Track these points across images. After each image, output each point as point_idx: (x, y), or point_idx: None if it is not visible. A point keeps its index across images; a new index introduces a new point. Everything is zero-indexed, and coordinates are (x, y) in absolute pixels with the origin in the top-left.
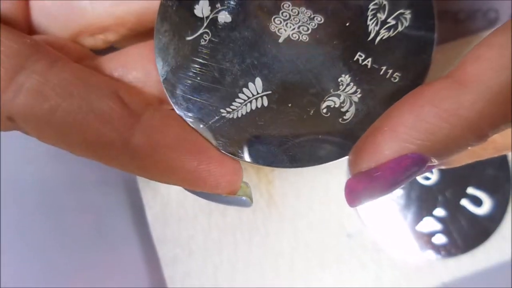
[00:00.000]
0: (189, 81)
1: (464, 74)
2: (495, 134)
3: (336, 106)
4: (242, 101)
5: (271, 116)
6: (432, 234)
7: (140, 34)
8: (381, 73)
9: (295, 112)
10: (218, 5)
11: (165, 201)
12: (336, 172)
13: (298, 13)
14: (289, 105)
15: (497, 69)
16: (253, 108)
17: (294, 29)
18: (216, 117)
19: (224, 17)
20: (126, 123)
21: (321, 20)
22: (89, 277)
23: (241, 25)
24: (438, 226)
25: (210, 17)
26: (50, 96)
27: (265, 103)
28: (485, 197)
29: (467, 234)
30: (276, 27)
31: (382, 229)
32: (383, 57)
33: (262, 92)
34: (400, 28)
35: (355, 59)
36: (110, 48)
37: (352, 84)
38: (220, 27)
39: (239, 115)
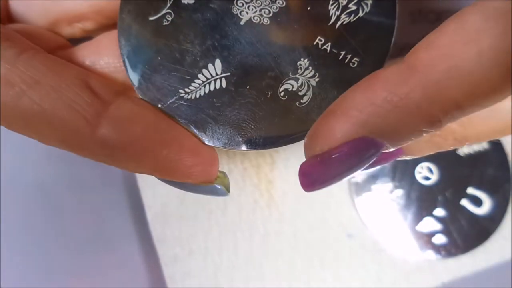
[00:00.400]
0: (150, 61)
1: (416, 60)
2: (450, 122)
3: (294, 89)
4: (201, 82)
5: (229, 98)
6: (432, 234)
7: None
8: (340, 58)
9: (252, 94)
10: None
11: (165, 200)
12: None
13: None
14: (247, 87)
15: (447, 55)
16: (212, 89)
17: (256, 11)
18: (175, 97)
19: None
20: (94, 112)
21: (282, 3)
22: (89, 277)
23: (204, 7)
24: (438, 226)
25: None
26: (16, 83)
27: (224, 85)
28: (485, 197)
29: (467, 234)
30: (238, 9)
31: (382, 229)
32: (343, 42)
33: (221, 73)
34: (360, 14)
35: (314, 43)
36: (89, 38)
37: (310, 68)
38: (183, 8)
39: (197, 96)
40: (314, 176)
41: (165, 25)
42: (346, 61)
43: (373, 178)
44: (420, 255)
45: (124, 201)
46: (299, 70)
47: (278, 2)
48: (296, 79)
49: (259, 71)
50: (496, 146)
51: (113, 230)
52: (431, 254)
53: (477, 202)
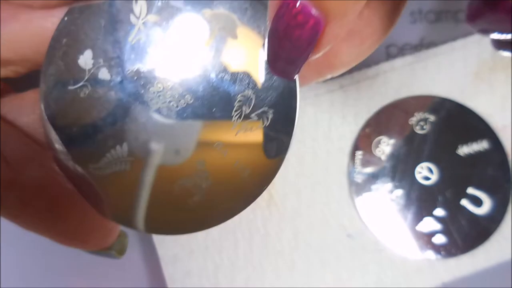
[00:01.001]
0: (66, 130)
1: None
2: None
3: (188, 187)
4: (108, 161)
5: (132, 181)
6: (432, 234)
7: None
8: (234, 165)
9: (153, 184)
10: (101, 60)
11: None
12: (336, 172)
13: (171, 87)
14: (150, 174)
15: None
16: (117, 170)
17: (165, 102)
18: (84, 170)
19: (104, 74)
20: (3, 184)
21: (190, 99)
22: (89, 277)
23: (118, 86)
24: (438, 226)
25: (92, 71)
26: None
27: (127, 168)
28: (485, 197)
29: (467, 234)
30: (149, 96)
31: (382, 229)
32: (238, 150)
33: (127, 157)
34: (260, 126)
35: (214, 145)
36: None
37: (205, 169)
38: (99, 83)
39: (104, 173)
40: (270, 54)
41: (82, 97)
42: (238, 170)
43: (373, 178)
44: (420, 255)
45: None
46: (196, 168)
47: (187, 98)
48: (191, 177)
49: (160, 162)
50: (496, 146)
51: None
52: (431, 254)
53: (477, 202)
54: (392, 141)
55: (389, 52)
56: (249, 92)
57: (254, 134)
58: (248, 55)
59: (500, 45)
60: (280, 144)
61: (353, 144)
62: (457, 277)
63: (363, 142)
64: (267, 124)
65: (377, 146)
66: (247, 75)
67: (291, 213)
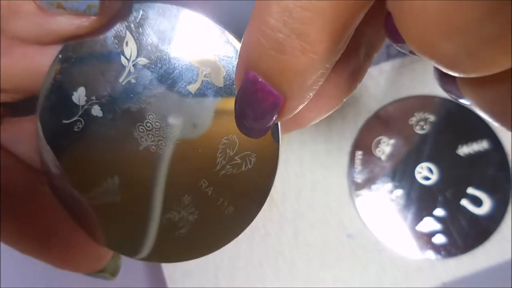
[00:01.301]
0: (58, 164)
1: None
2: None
3: (175, 220)
4: (100, 193)
5: (119, 215)
6: (432, 234)
7: None
8: (218, 203)
9: (142, 215)
10: (93, 97)
11: None
12: (336, 172)
13: (160, 127)
14: (137, 209)
15: None
16: (107, 201)
17: (154, 141)
18: (78, 200)
19: (96, 111)
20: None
21: (178, 140)
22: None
23: (110, 123)
24: (438, 226)
25: (85, 107)
26: None
27: (118, 201)
28: (485, 197)
29: (467, 234)
30: (139, 134)
31: (382, 229)
32: (223, 190)
33: (117, 190)
34: (243, 168)
35: (199, 184)
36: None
37: (192, 205)
38: (92, 119)
39: (97, 203)
40: (237, 120)
41: (76, 131)
42: (222, 208)
43: (373, 178)
44: (420, 255)
45: None
46: (182, 204)
47: (174, 138)
48: (178, 212)
49: (148, 198)
50: (496, 146)
51: None
52: (431, 254)
53: (477, 202)
54: (392, 141)
55: (389, 52)
56: (233, 136)
57: (238, 175)
58: (232, 102)
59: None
60: (262, 185)
61: (353, 144)
62: (457, 277)
63: (363, 142)
64: (250, 166)
65: (377, 146)
66: (232, 120)
67: (291, 213)
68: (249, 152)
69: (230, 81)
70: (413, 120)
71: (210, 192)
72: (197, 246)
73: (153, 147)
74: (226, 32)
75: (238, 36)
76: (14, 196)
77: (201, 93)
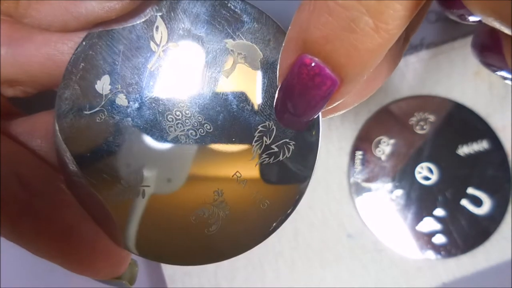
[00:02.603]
0: (79, 156)
1: None
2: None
3: (205, 216)
4: (123, 188)
5: (144, 209)
6: (432, 234)
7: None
8: (253, 196)
9: (168, 212)
10: (118, 86)
11: None
12: (336, 172)
13: (190, 116)
14: (164, 204)
15: None
16: (131, 197)
17: (183, 130)
18: (99, 196)
19: (121, 100)
20: (18, 207)
21: (210, 128)
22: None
23: (136, 113)
24: (438, 226)
25: (109, 96)
26: None
27: (143, 196)
28: (485, 197)
29: (467, 234)
30: (167, 123)
31: (382, 229)
32: (258, 182)
33: (143, 184)
34: (281, 157)
35: (232, 176)
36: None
37: (223, 199)
38: (115, 108)
39: (119, 200)
40: (278, 109)
41: (98, 122)
42: (257, 201)
43: (373, 178)
44: (420, 255)
45: None
46: (215, 197)
47: (206, 127)
48: (209, 207)
49: (177, 191)
50: (496, 146)
51: None
52: (431, 254)
53: (477, 202)
54: (392, 141)
55: None
56: (270, 123)
57: (274, 166)
58: (269, 86)
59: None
60: (300, 176)
61: (353, 144)
62: (457, 277)
63: (363, 142)
64: (288, 155)
65: (377, 146)
66: (269, 106)
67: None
68: (287, 140)
69: (268, 65)
70: (413, 120)
71: (244, 185)
72: (228, 245)
73: (182, 137)
74: (264, 14)
75: (276, 19)
76: (30, 193)
77: (236, 78)
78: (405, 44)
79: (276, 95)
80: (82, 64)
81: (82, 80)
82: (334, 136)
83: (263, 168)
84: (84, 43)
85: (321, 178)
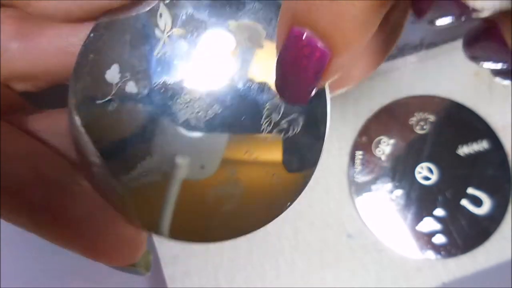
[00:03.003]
0: (93, 145)
1: None
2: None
3: (220, 195)
4: (139, 172)
5: (163, 192)
6: (432, 234)
7: None
8: (265, 173)
9: (181, 191)
10: (128, 74)
11: None
12: (336, 172)
13: (199, 98)
14: (177, 186)
15: None
16: (148, 181)
17: (193, 113)
18: (115, 183)
19: (131, 87)
20: (35, 199)
21: (219, 109)
22: (89, 277)
23: (146, 99)
24: (438, 226)
25: (119, 85)
26: None
27: (158, 179)
28: (485, 197)
29: (467, 234)
30: (177, 108)
31: (382, 229)
32: (269, 158)
33: (157, 168)
34: (291, 133)
35: (244, 153)
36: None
37: (237, 177)
38: (126, 96)
39: (134, 185)
40: (280, 81)
41: (110, 110)
42: (269, 177)
43: (373, 178)
44: (420, 255)
45: None
46: (227, 177)
47: (215, 108)
48: (223, 185)
49: (188, 171)
50: (496, 146)
51: None
52: (431, 254)
53: (477, 202)
54: (392, 141)
55: None
56: (277, 100)
57: (285, 141)
58: (274, 64)
59: (498, 73)
60: (312, 150)
61: (353, 144)
62: (457, 277)
63: (363, 142)
64: (298, 130)
65: (377, 146)
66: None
67: (291, 213)
68: (296, 115)
69: (271, 43)
70: (413, 120)
71: (256, 162)
72: (243, 222)
73: (192, 119)
74: None
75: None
76: (48, 185)
77: (241, 58)
78: (404, 15)
79: (275, 71)
80: (91, 55)
81: (92, 71)
82: (334, 136)
83: (273, 144)
84: (92, 34)
85: (321, 178)
